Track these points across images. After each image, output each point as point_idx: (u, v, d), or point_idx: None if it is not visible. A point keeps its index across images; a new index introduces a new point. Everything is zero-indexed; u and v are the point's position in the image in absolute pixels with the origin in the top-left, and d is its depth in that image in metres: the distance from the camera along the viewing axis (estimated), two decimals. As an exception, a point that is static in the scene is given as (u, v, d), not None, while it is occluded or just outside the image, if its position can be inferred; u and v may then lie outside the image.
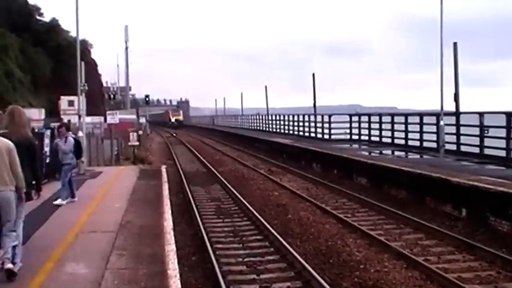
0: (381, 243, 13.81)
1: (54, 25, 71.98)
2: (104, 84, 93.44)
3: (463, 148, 25.07)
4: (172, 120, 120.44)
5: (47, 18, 73.26)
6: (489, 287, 10.78)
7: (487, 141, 22.85)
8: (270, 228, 15.25)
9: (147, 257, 9.60)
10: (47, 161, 19.17)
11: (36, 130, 21.41)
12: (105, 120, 39.38)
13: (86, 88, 26.81)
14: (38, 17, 72.28)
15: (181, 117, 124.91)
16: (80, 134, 24.41)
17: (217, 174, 28.49)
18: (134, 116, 59.61)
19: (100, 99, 69.67)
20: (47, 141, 19.84)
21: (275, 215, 17.93)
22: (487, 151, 23.06)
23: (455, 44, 25.43)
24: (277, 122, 55.52)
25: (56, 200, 15.00)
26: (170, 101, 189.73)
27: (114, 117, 36.36)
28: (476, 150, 23.69)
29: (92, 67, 68.80)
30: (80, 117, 26.86)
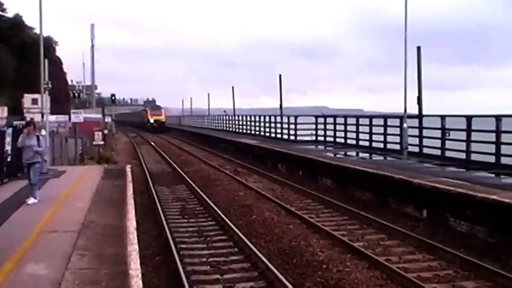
0: (344, 244, 13.93)
1: (17, 21, 70.55)
2: (69, 83, 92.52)
3: (425, 150, 25.40)
4: (151, 121, 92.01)
5: (10, 14, 71.67)
6: (447, 285, 10.96)
7: (448, 144, 23.19)
8: (235, 229, 15.27)
9: (110, 257, 9.53)
10: (8, 159, 18.90)
11: None
12: (70, 118, 39.00)
13: (50, 86, 26.45)
14: (0, 13, 70.77)
15: (163, 118, 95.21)
16: (43, 132, 24.11)
17: (183, 174, 28.40)
18: (100, 115, 59.15)
19: (65, 97, 69.05)
20: (8, 139, 19.48)
21: (240, 215, 17.97)
22: (448, 153, 23.41)
23: (418, 48, 25.77)
24: (244, 122, 55.57)
25: (28, 199, 14.88)
26: (136, 100, 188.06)
27: (78, 116, 36.01)
28: (438, 152, 24.04)
29: (56, 65, 67.97)
30: (43, 115, 26.51)
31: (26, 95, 31.52)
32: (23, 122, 20.86)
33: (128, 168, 25.23)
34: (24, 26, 70.34)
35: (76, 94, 70.83)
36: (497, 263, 12.10)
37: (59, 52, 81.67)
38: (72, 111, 39.41)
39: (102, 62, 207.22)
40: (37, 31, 45.33)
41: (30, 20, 71.16)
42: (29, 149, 15.19)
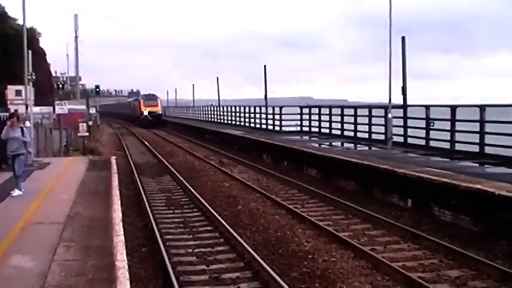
0: (330, 234, 13.97)
1: (0, 12, 69.95)
2: (53, 74, 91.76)
3: (410, 140, 25.51)
4: (145, 113, 77.02)
5: None
6: (432, 274, 11.02)
7: (433, 134, 23.30)
8: (220, 219, 15.27)
9: (96, 249, 9.53)
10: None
11: None
12: (54, 110, 38.76)
13: (34, 78, 26.33)
14: None
15: (159, 109, 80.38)
16: (28, 124, 23.96)
17: (168, 165, 28.33)
18: (84, 107, 58.82)
19: (49, 89, 68.40)
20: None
21: (225, 206, 17.95)
22: (432, 143, 23.52)
23: (403, 38, 25.84)
24: (229, 113, 55.49)
25: (13, 191, 14.84)
26: (121, 91, 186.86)
27: (63, 108, 35.80)
28: (423, 142, 24.15)
29: (40, 56, 67.43)
30: (27, 107, 26.37)
31: (9, 86, 31.22)
32: (7, 114, 20.66)
33: (113, 159, 25.16)
34: (6, 17, 69.42)
35: (60, 85, 70.21)
36: (481, 251, 12.20)
37: (43, 43, 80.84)
38: (56, 102, 39.13)
39: (86, 53, 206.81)
40: (20, 22, 44.86)
41: (13, 11, 70.47)
42: (14, 140, 15.11)
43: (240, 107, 51.47)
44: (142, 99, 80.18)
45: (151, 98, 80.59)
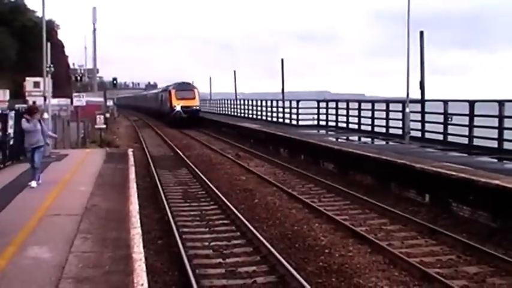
0: (346, 228, 13.91)
1: (19, 5, 70.15)
2: (71, 66, 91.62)
3: (427, 135, 25.35)
4: (177, 108, 58.10)
5: None
6: (449, 270, 10.94)
7: (451, 129, 23.12)
8: (237, 213, 15.27)
9: (113, 241, 9.52)
10: (11, 143, 18.86)
11: (1, 111, 21.06)
12: (72, 102, 38.95)
13: (52, 70, 26.44)
14: None
15: (196, 103, 60.50)
16: (46, 116, 24.09)
17: (185, 158, 28.37)
18: (101, 99, 59.02)
19: (67, 81, 68.59)
20: (11, 122, 19.41)
21: (242, 199, 17.95)
22: (450, 138, 23.36)
23: (421, 32, 25.68)
24: (246, 107, 55.40)
25: (31, 182, 14.82)
26: (138, 84, 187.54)
27: (80, 100, 35.94)
28: (440, 137, 23.98)
29: (58, 48, 67.75)
30: (45, 99, 26.49)
31: (27, 78, 31.53)
32: (25, 106, 20.80)
33: (130, 152, 25.19)
34: (25, 9, 69.94)
35: (78, 78, 70.22)
36: (500, 248, 12.09)
37: (61, 35, 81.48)
38: (74, 94, 39.19)
39: (103, 45, 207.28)
40: (39, 14, 45.37)
41: (32, 3, 71.02)
42: (35, 133, 15.11)
43: (256, 101, 51.37)
44: (174, 90, 59.69)
45: (185, 88, 60.43)
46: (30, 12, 68.80)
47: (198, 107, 59.39)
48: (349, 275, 10.62)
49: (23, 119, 15.43)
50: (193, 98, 58.81)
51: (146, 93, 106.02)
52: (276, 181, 21.13)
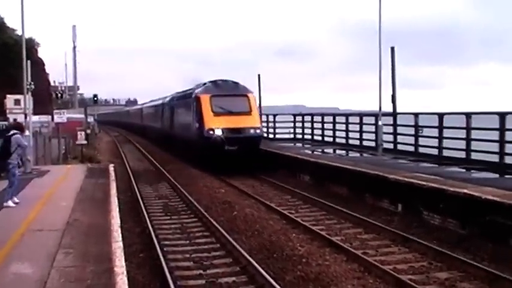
0: (323, 238, 14.00)
1: (0, 23, 70.01)
2: (52, 83, 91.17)
3: (399, 147, 25.63)
4: (218, 133, 27.81)
5: None
6: (421, 276, 11.10)
7: (422, 141, 23.40)
8: (216, 225, 15.26)
9: (94, 255, 9.48)
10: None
11: None
12: (53, 119, 38.70)
13: (33, 87, 26.25)
14: None
15: (255, 123, 29.35)
16: (27, 133, 23.90)
17: (165, 172, 28.25)
18: (82, 115, 58.66)
19: (47, 98, 67.98)
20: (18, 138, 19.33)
21: (221, 212, 17.87)
22: (421, 149, 23.64)
23: (392, 48, 26.04)
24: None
25: (7, 201, 14.45)
26: (118, 100, 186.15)
27: (61, 116, 35.63)
28: (412, 148, 24.26)
29: (39, 66, 67.05)
30: (26, 116, 26.30)
31: (8, 95, 31.24)
32: (6, 123, 20.67)
33: (111, 167, 25.09)
34: (5, 28, 69.50)
35: (59, 95, 69.80)
36: (468, 253, 12.30)
37: (41, 53, 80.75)
38: (55, 111, 38.94)
39: (84, 62, 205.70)
40: (19, 32, 45.01)
41: (12, 22, 70.61)
42: (23, 147, 15.25)
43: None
44: (207, 95, 29.82)
45: (230, 92, 30.41)
46: (10, 30, 68.24)
47: (258, 130, 29.74)
48: (326, 283, 10.68)
49: (19, 136, 15.18)
50: (249, 113, 29.40)
51: (129, 108, 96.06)
52: (254, 193, 21.23)
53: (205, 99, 28.79)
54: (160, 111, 46.05)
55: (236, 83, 30.63)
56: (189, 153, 31.99)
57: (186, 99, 32.81)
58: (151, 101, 60.50)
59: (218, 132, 27.57)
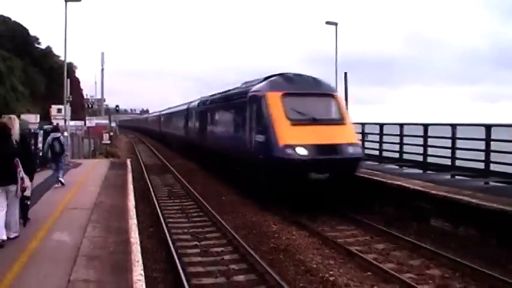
0: (291, 218, 13.86)
1: (48, 51, 72.48)
2: (85, 97, 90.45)
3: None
4: (301, 153, 13.27)
5: (43, 45, 73.60)
6: (365, 247, 11.16)
7: (367, 144, 23.31)
8: (209, 207, 15.17)
9: (115, 229, 9.42)
10: (40, 154, 18.65)
11: (32, 131, 21.07)
12: (85, 123, 38.63)
13: (71, 99, 26.41)
14: (36, 45, 72.34)
15: (352, 140, 14.52)
16: (66, 134, 23.77)
17: (170, 166, 28.09)
18: (107, 121, 58.19)
19: (81, 108, 67.57)
20: (40, 139, 19.45)
21: (213, 197, 17.75)
22: (367, 151, 23.43)
23: (345, 73, 26.04)
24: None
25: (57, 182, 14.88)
26: (135, 110, 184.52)
27: (91, 122, 35.77)
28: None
29: (75, 83, 67.14)
30: (65, 121, 26.40)
31: (53, 105, 31.26)
32: (51, 126, 20.68)
33: (128, 161, 24.90)
34: (52, 55, 71.68)
35: (89, 105, 69.62)
36: (400, 230, 12.34)
37: (78, 74, 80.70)
38: (86, 118, 38.90)
39: (108, 80, 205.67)
40: (62, 58, 45.39)
41: (57, 50, 72.19)
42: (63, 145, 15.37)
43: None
44: (277, 93, 14.72)
45: (311, 91, 15.17)
46: (56, 57, 70.26)
47: (359, 148, 15.05)
48: (293, 253, 10.68)
49: (61, 136, 15.63)
50: (341, 121, 15.09)
51: (147, 115, 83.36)
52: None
53: (273, 99, 14.74)
54: (183, 117, 33.44)
55: (315, 78, 16.15)
56: (236, 174, 18.59)
57: (233, 101, 18.81)
58: (169, 108, 49.35)
59: (301, 151, 13.57)
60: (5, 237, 8.10)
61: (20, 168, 8.23)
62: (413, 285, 8.42)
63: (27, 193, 8.83)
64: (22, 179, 8.26)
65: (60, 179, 14.97)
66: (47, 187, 14.50)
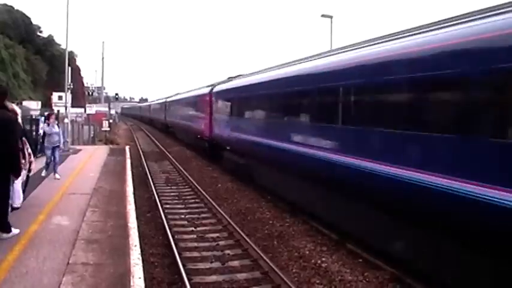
0: (285, 205, 13.78)
1: (50, 40, 72.77)
2: (85, 84, 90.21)
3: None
4: None
5: (45, 34, 74.23)
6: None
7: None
8: (205, 194, 15.08)
9: (114, 213, 9.36)
10: (41, 140, 18.47)
11: (34, 117, 20.90)
12: (85, 111, 38.42)
13: (71, 87, 26.19)
14: (38, 34, 73.19)
15: None
16: (66, 120, 23.58)
17: (167, 153, 27.95)
18: (107, 109, 57.94)
19: (82, 95, 67.34)
20: (41, 125, 19.13)
21: (209, 184, 17.69)
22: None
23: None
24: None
25: (54, 175, 13.61)
26: (133, 98, 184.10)
27: (91, 109, 35.46)
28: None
29: (76, 71, 67.02)
30: (66, 108, 26.22)
31: (54, 93, 31.07)
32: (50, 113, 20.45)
33: (127, 148, 24.78)
34: (54, 43, 71.78)
35: (90, 93, 69.42)
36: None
37: (78, 62, 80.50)
38: (87, 105, 38.63)
39: (108, 68, 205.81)
40: (63, 47, 45.21)
41: (59, 39, 72.16)
42: (55, 134, 13.92)
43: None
44: None
45: None
46: (57, 45, 70.33)
47: None
48: (286, 239, 10.61)
49: (45, 124, 14.55)
50: None
51: (149, 103, 75.28)
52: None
53: None
54: (200, 105, 25.07)
55: None
56: None
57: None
58: (178, 94, 41.74)
59: None
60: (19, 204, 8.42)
61: (27, 145, 8.36)
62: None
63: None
64: (30, 154, 8.46)
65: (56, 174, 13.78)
66: (48, 172, 14.18)
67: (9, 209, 7.78)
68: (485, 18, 6.18)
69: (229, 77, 22.19)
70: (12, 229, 7.46)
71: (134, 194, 11.87)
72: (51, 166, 14.03)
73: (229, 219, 11.77)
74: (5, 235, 7.33)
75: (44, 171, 14.01)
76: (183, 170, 20.36)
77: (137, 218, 9.39)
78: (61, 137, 14.59)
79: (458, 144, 6.21)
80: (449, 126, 6.51)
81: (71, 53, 61.56)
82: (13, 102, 9.25)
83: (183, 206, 14.14)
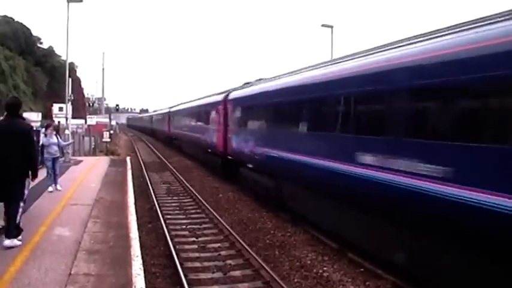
0: (286, 216, 13.75)
1: (50, 51, 72.82)
2: (86, 95, 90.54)
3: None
4: None
5: (45, 45, 73.85)
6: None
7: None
8: (206, 204, 15.09)
9: (115, 224, 9.36)
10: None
11: (35, 128, 20.84)
12: (86, 122, 38.52)
13: (72, 98, 26.29)
14: (39, 45, 72.60)
15: None
16: (67, 132, 23.62)
17: (168, 164, 27.97)
18: (107, 120, 58.03)
19: (82, 106, 67.68)
20: (42, 136, 19.13)
21: (210, 194, 17.70)
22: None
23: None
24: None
25: (56, 186, 13.35)
26: (134, 109, 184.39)
27: (92, 120, 35.54)
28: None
29: (77, 83, 67.11)
30: (67, 119, 26.27)
31: (54, 104, 31.17)
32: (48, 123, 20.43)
33: (128, 158, 24.80)
34: (54, 55, 72.02)
35: (90, 104, 69.59)
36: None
37: (79, 73, 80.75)
38: (87, 116, 38.75)
39: (108, 79, 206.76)
40: (63, 58, 45.26)
41: (59, 50, 72.52)
42: (54, 145, 13.59)
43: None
44: None
45: None
46: (57, 56, 70.53)
47: None
48: (288, 249, 10.61)
49: (42, 135, 14.18)
50: None
51: (151, 114, 69.60)
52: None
53: None
54: (213, 115, 21.73)
55: None
56: None
57: None
58: (180, 104, 38.99)
59: None
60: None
61: None
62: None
63: None
64: None
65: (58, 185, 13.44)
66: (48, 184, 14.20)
67: (21, 212, 7.73)
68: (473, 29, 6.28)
69: (246, 82, 19.10)
70: (15, 240, 7.49)
71: (135, 204, 11.87)
72: (51, 177, 13.89)
73: (230, 229, 11.77)
74: (7, 242, 7.36)
75: (52, 186, 13.36)
76: (184, 180, 20.36)
77: (138, 228, 9.39)
78: (61, 141, 14.43)
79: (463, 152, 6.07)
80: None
81: (71, 64, 61.84)
82: None
83: (184, 216, 14.14)
